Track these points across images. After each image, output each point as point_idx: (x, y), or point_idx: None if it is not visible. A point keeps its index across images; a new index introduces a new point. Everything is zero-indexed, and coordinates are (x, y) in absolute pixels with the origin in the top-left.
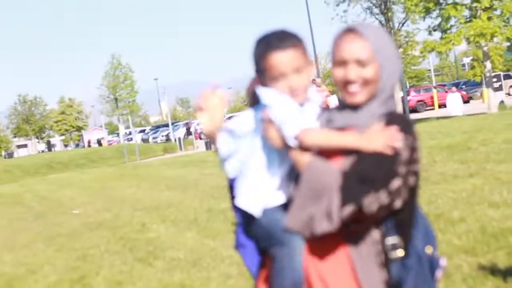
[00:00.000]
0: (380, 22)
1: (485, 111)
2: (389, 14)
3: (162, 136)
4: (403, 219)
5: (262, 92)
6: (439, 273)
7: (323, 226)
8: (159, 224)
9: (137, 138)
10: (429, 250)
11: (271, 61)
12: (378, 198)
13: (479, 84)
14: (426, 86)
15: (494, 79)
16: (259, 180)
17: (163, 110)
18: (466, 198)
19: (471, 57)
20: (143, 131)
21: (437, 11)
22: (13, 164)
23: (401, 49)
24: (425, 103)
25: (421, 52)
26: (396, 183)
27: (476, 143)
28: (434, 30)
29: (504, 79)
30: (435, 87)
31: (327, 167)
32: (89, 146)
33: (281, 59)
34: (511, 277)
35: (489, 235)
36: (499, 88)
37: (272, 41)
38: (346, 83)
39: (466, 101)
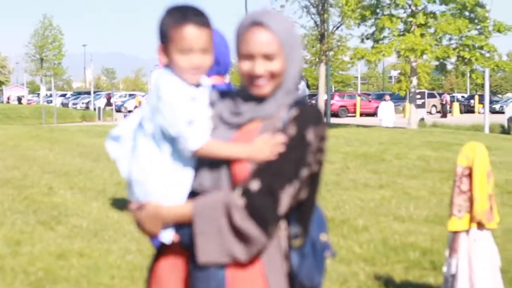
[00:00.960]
0: (315, 22)
1: (405, 125)
2: (325, 15)
3: (83, 103)
4: (305, 208)
5: (161, 77)
6: (327, 254)
7: (242, 254)
8: (67, 190)
9: (57, 101)
10: (323, 237)
11: (184, 33)
12: (292, 191)
13: (402, 99)
14: (351, 92)
15: (418, 96)
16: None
17: (87, 77)
18: (374, 208)
19: (399, 71)
20: (64, 95)
21: (373, 20)
22: None
23: (332, 53)
24: (347, 109)
25: (351, 59)
26: (305, 172)
27: (391, 156)
28: (367, 39)
29: (428, 97)
30: (359, 95)
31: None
32: (7, 102)
33: (194, 33)
34: None
35: (390, 247)
36: (422, 106)
37: (189, 15)
38: (252, 77)
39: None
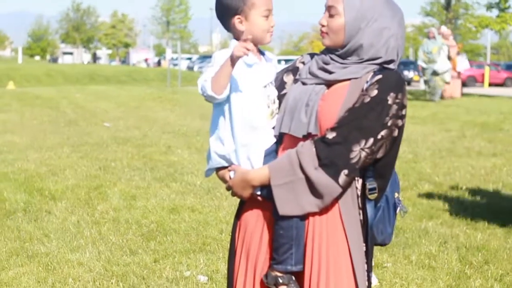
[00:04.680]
0: None
1: None
2: None
3: (208, 67)
4: (383, 168)
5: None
6: (399, 210)
7: (317, 204)
8: (184, 149)
9: (183, 65)
10: (395, 195)
11: None
12: (367, 146)
13: None
14: (480, 62)
15: None
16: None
17: (214, 41)
18: (484, 175)
19: None
20: (189, 59)
21: None
22: (56, 69)
23: (460, 21)
24: (475, 78)
25: (475, 27)
26: (382, 132)
27: (509, 125)
28: (492, 8)
29: None
30: (488, 65)
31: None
32: (147, 65)
33: None
34: (500, 253)
35: (494, 212)
36: None
37: None
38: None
39: None
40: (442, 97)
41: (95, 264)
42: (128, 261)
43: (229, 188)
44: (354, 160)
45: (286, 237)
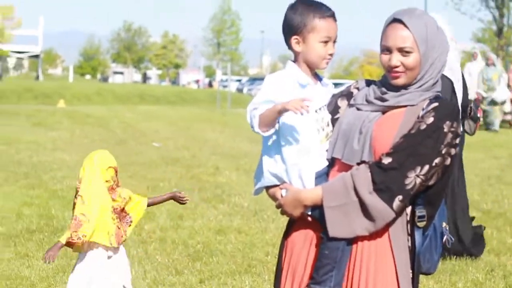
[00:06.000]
0: (494, 16)
1: None
2: (504, 9)
3: (258, 89)
4: (433, 195)
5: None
6: (444, 238)
7: (368, 228)
8: (232, 171)
9: (233, 86)
10: (443, 225)
11: (327, 25)
12: (422, 173)
13: None
14: None
15: None
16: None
17: (264, 64)
18: None
19: None
20: (239, 80)
21: None
22: (107, 89)
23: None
24: None
25: None
26: (437, 159)
27: None
28: None
29: None
30: None
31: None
32: (197, 86)
33: (333, 26)
34: None
35: None
36: None
37: (325, 8)
38: (390, 68)
39: None
40: (510, 125)
41: (141, 283)
42: (174, 281)
43: (279, 206)
44: (409, 187)
45: (330, 258)
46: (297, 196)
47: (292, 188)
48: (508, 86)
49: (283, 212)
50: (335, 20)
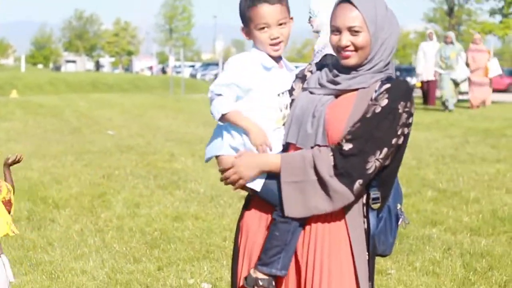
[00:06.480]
0: None
1: None
2: None
3: (211, 74)
4: (386, 176)
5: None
6: (401, 222)
7: (326, 208)
8: (188, 157)
9: (186, 72)
10: (397, 207)
11: (259, 12)
12: (381, 156)
13: None
14: None
15: None
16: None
17: (217, 49)
18: (487, 181)
19: None
20: (192, 66)
21: None
22: (59, 78)
23: (463, 27)
24: None
25: (478, 33)
26: (393, 140)
27: None
28: (495, 13)
29: None
30: None
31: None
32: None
33: (268, 11)
34: (504, 259)
35: (498, 218)
36: None
37: None
38: (339, 48)
39: None
40: (471, 106)
41: (98, 272)
42: (132, 269)
43: (224, 171)
44: (369, 171)
45: (280, 240)
46: (255, 159)
47: (249, 152)
48: (467, 64)
49: (229, 178)
50: (272, 3)
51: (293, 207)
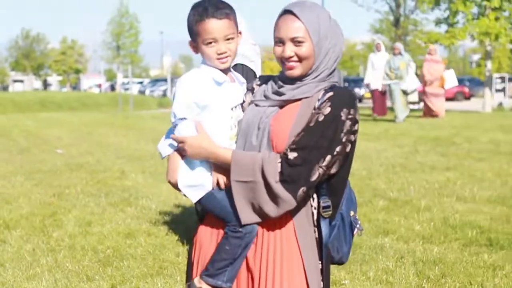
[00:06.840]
0: (390, 7)
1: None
2: (400, 0)
3: (160, 90)
4: (336, 184)
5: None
6: (355, 231)
7: (271, 212)
8: (138, 173)
9: (135, 89)
10: (351, 214)
11: (205, 27)
12: (324, 164)
13: (483, 84)
14: None
15: (499, 80)
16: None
17: (165, 64)
18: (438, 189)
19: (479, 55)
20: (141, 83)
21: (447, 4)
22: (6, 98)
23: (409, 38)
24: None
25: (425, 43)
26: (337, 148)
27: (462, 139)
28: (441, 23)
29: (509, 81)
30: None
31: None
32: (100, 91)
33: (215, 26)
34: (456, 266)
35: (449, 226)
36: (502, 90)
37: (209, 9)
38: (283, 59)
39: (467, 98)
40: (424, 115)
41: None
42: None
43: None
44: (313, 178)
45: (230, 254)
46: (208, 145)
47: (206, 136)
48: (416, 74)
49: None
50: (220, 18)
51: (247, 214)
